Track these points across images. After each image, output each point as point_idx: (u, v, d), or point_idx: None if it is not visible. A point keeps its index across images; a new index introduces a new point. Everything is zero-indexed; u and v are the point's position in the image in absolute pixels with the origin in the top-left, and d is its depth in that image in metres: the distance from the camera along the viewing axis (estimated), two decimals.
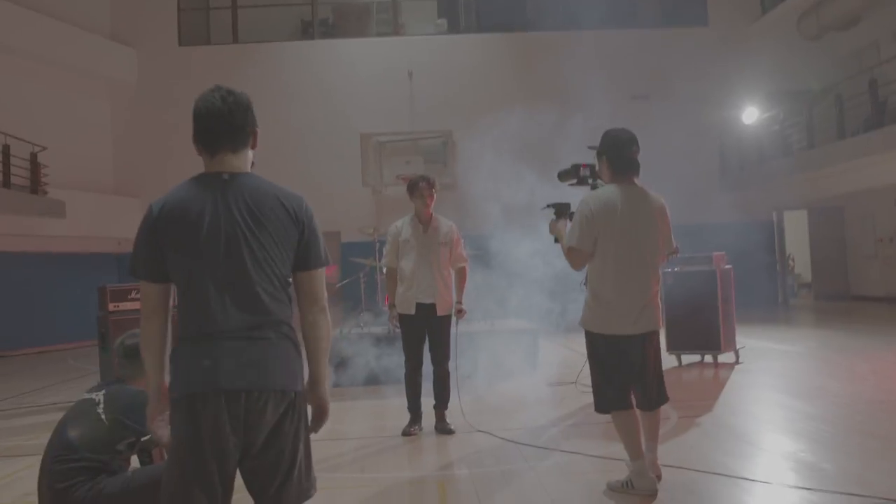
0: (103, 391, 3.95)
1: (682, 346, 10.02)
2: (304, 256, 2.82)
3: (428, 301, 6.79)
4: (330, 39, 21.79)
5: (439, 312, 6.81)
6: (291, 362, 2.75)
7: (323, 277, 2.87)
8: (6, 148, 16.65)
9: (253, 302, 2.69)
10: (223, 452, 2.62)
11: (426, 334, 6.87)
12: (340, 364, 9.40)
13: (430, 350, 6.90)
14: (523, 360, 9.82)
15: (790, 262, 23.65)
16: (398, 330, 7.00)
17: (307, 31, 22.16)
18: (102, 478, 3.72)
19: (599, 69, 16.66)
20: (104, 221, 19.23)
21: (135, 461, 4.06)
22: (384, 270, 7.39)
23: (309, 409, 2.86)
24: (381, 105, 20.40)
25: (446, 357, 6.87)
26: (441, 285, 6.84)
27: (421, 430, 6.80)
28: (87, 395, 3.97)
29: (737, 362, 9.94)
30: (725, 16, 21.52)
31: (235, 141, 2.81)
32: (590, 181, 5.42)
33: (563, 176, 5.54)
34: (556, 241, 5.15)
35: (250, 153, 2.88)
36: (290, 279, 2.83)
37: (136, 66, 21.15)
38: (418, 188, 6.90)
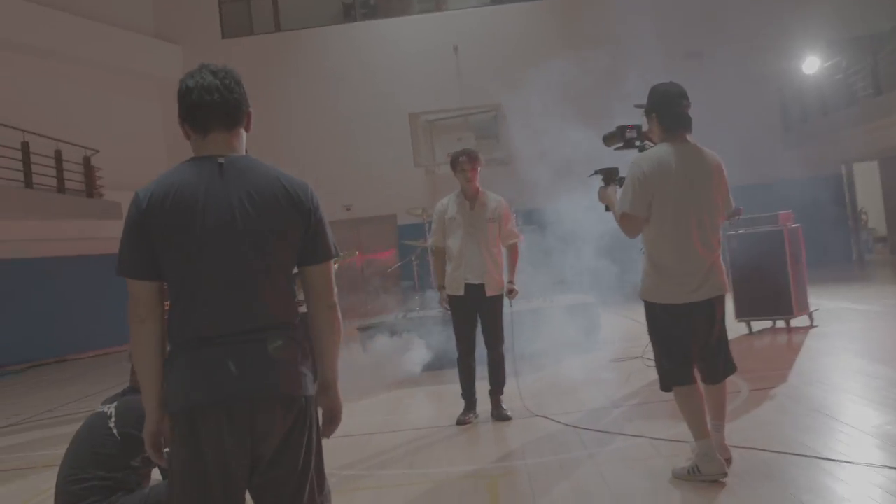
0: (115, 403, 3.72)
1: (752, 312, 9.49)
2: (311, 249, 2.53)
3: (476, 281, 6.45)
4: (372, 21, 21.51)
5: (489, 293, 6.46)
6: (299, 365, 2.48)
7: (331, 271, 2.59)
8: (58, 153, 16.80)
9: (255, 301, 2.41)
10: (230, 471, 2.35)
11: (477, 316, 6.54)
12: (399, 349, 9.19)
13: (483, 332, 6.56)
14: (584, 335, 9.44)
15: (863, 216, 22.69)
16: (449, 311, 6.69)
17: (349, 13, 21.93)
18: (119, 496, 3.49)
19: (651, 27, 16.06)
20: None
21: (156, 473, 3.83)
22: (431, 250, 7.07)
23: (320, 411, 2.60)
24: (428, 83, 20.07)
25: (499, 340, 6.53)
26: (490, 264, 6.48)
27: (476, 417, 6.48)
28: (100, 409, 3.75)
29: (811, 326, 9.39)
30: None
31: (231, 118, 2.52)
32: (637, 143, 5.04)
33: (608, 139, 5.16)
34: (607, 209, 4.80)
35: (245, 135, 2.60)
36: (296, 274, 2.56)
37: (182, 63, 21.15)
38: (459, 163, 6.56)
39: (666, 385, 4.49)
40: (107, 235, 18.01)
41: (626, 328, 10.52)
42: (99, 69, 19.22)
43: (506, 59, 19.55)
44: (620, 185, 4.69)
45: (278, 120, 20.10)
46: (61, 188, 16.76)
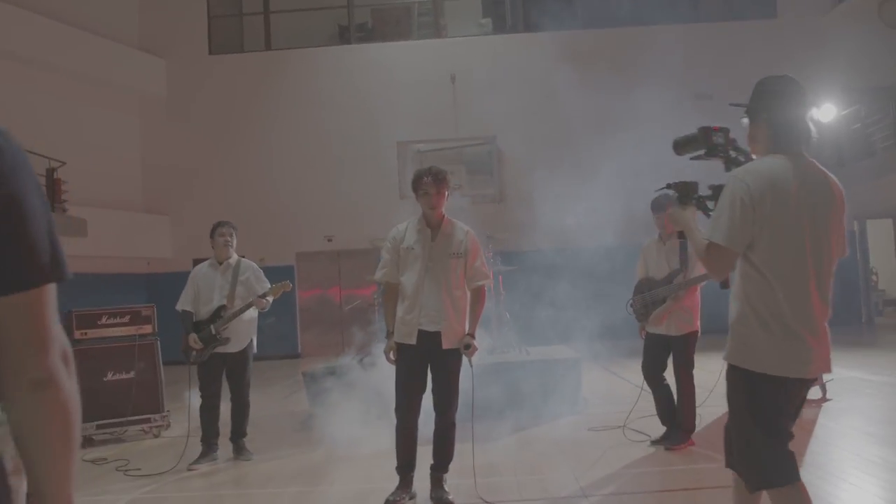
0: None
1: None
2: None
3: (432, 328, 5.24)
4: (367, 44, 20.48)
5: (445, 345, 5.23)
6: None
7: (37, 308, 1.36)
8: None
9: None
10: None
11: (428, 372, 5.33)
12: (343, 402, 7.91)
13: (433, 393, 5.32)
14: (561, 396, 8.15)
15: (874, 276, 21.49)
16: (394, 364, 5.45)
17: (344, 36, 20.91)
18: None
19: (658, 68, 15.10)
20: (132, 240, 18.33)
21: None
22: (380, 286, 5.81)
23: None
24: (421, 112, 18.94)
25: (452, 404, 5.29)
26: (450, 309, 5.27)
27: (412, 498, 5.24)
28: None
29: (824, 399, 8.15)
30: (795, 6, 19.53)
31: None
32: (722, 154, 3.51)
33: (682, 146, 3.58)
34: (681, 235, 3.51)
35: None
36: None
37: (165, 78, 20.13)
38: (422, 183, 5.40)
39: (767, 481, 3.11)
40: (70, 254, 16.84)
41: (610, 387, 9.25)
42: (73, 78, 18.10)
43: (505, 92, 18.50)
44: (699, 207, 3.48)
45: (261, 141, 19.08)
46: None
